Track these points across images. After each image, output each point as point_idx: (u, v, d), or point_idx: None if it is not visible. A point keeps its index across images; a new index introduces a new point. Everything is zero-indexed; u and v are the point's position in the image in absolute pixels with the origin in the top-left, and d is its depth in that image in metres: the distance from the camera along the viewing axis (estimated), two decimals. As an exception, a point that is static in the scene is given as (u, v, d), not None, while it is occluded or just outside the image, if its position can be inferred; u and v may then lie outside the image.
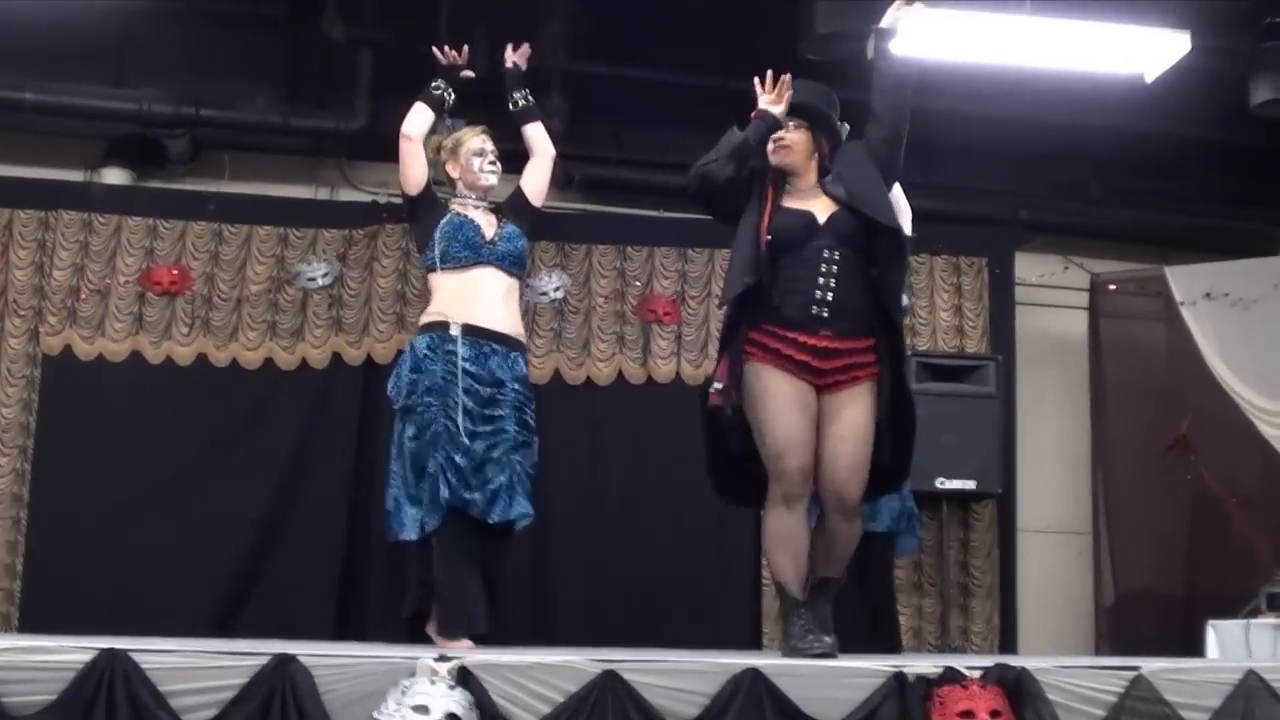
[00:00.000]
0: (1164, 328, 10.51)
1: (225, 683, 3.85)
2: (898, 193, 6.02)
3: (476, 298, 6.21)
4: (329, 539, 9.19)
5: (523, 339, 6.42)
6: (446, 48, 6.51)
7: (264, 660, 3.87)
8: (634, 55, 9.58)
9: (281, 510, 9.25)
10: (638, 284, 9.94)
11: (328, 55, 9.81)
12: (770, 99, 5.54)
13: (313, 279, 9.55)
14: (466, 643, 5.70)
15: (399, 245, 9.62)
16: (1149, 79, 8.89)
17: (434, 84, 6.45)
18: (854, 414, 5.31)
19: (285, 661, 3.86)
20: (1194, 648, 8.77)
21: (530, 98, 6.62)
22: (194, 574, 8.87)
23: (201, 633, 8.11)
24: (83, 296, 9.30)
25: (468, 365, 6.08)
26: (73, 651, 3.83)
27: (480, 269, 6.24)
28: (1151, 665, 4.49)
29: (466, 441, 6.00)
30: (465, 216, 6.31)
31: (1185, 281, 10.38)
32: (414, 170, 6.36)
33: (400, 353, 6.74)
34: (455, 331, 6.13)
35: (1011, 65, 8.96)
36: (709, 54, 9.35)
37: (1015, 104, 9.71)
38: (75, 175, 9.75)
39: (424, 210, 6.38)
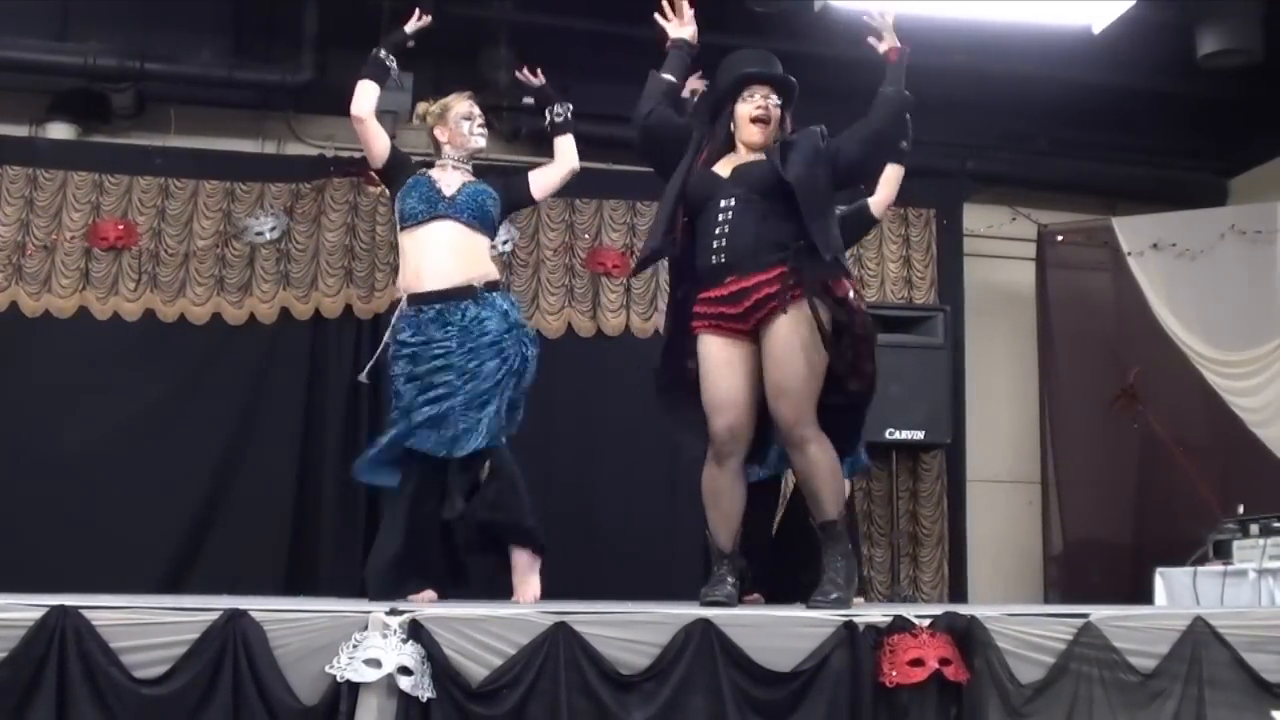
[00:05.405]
0: (1111, 278, 10.57)
1: (176, 638, 3.86)
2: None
3: (424, 254, 6.21)
4: (278, 494, 9.17)
5: (476, 281, 6.27)
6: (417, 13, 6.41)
7: (215, 616, 3.87)
8: (581, 7, 9.51)
9: (231, 466, 9.21)
10: (586, 237, 9.93)
11: (273, 7, 9.73)
12: (677, 24, 5.77)
13: (260, 233, 9.50)
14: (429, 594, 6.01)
15: (346, 199, 9.60)
16: (1096, 30, 8.95)
17: (376, 54, 6.32)
18: (780, 340, 5.20)
19: (236, 617, 3.86)
20: (1142, 595, 8.83)
21: (567, 114, 6.64)
22: (144, 530, 8.82)
23: (152, 589, 8.08)
24: (28, 252, 9.24)
25: (407, 338, 6.14)
26: (23, 609, 3.82)
27: (435, 223, 6.22)
28: (1100, 613, 4.54)
29: (416, 410, 6.08)
30: (425, 175, 6.34)
31: (1132, 232, 10.43)
32: (375, 146, 6.34)
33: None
34: (401, 306, 6.22)
35: (959, 17, 8.96)
36: (656, 5, 9.29)
37: (963, 56, 9.69)
38: (19, 130, 9.67)
39: (396, 178, 6.37)
